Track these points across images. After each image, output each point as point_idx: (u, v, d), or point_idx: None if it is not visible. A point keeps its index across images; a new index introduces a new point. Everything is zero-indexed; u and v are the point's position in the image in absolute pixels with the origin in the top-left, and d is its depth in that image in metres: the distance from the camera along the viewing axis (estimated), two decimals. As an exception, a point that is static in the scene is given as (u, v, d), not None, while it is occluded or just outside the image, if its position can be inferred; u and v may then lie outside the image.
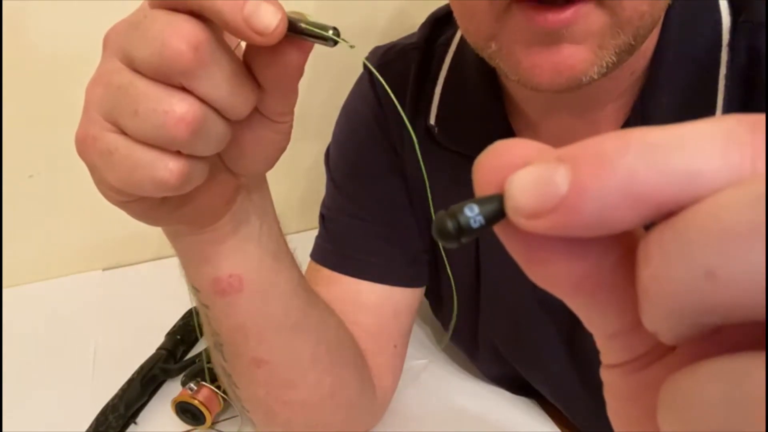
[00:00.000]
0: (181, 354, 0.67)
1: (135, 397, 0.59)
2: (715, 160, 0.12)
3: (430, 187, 0.53)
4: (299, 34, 0.26)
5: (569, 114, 0.45)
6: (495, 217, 0.15)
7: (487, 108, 0.49)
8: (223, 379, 0.47)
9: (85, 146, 0.28)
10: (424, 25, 0.56)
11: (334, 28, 0.26)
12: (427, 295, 0.60)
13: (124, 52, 0.27)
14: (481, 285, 0.55)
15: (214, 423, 0.57)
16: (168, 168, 0.27)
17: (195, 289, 0.40)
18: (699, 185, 0.12)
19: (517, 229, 0.15)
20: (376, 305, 0.54)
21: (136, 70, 0.27)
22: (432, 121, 0.51)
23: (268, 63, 0.28)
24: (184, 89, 0.26)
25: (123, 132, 0.27)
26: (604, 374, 0.17)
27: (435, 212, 0.54)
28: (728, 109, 0.41)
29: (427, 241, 0.56)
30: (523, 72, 0.37)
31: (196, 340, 0.69)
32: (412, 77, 0.53)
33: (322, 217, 0.58)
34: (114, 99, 0.27)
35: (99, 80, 0.28)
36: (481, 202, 0.15)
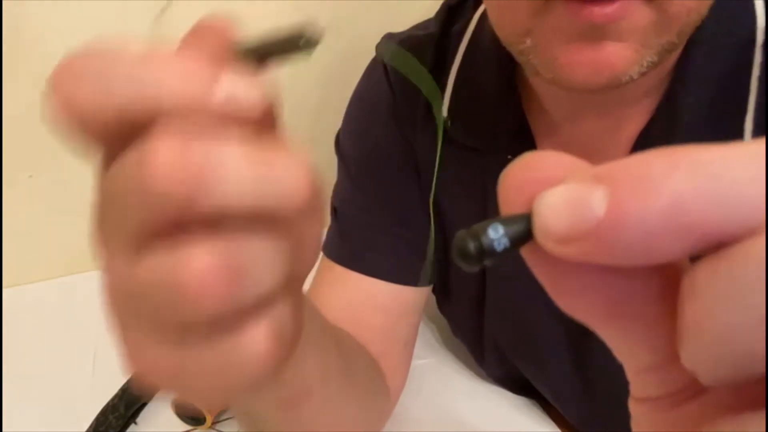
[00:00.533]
0: (181, 354, 0.67)
1: (135, 397, 0.59)
2: None
3: (436, 180, 0.53)
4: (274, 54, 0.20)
5: (592, 112, 0.44)
6: (521, 240, 0.14)
7: (501, 102, 0.48)
8: None
9: (154, 380, 0.20)
10: (438, 13, 0.54)
11: (305, 33, 0.20)
12: (433, 290, 0.60)
13: (113, 243, 0.19)
14: (487, 284, 0.55)
15: (214, 423, 0.57)
16: (249, 345, 0.19)
17: (248, 414, 0.32)
18: (760, 216, 0.11)
19: (546, 254, 0.13)
20: (387, 305, 0.54)
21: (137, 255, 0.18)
22: (444, 113, 0.50)
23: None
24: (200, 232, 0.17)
25: (174, 338, 0.19)
26: (633, 406, 0.16)
27: (438, 207, 0.51)
28: (759, 112, 0.39)
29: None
30: (560, 69, 0.35)
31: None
32: (427, 67, 0.52)
33: (334, 210, 0.57)
34: (136, 306, 0.19)
35: (112, 300, 0.21)
36: (506, 221, 0.14)
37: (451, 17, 0.53)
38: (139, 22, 0.71)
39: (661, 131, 0.41)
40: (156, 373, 0.20)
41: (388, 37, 0.56)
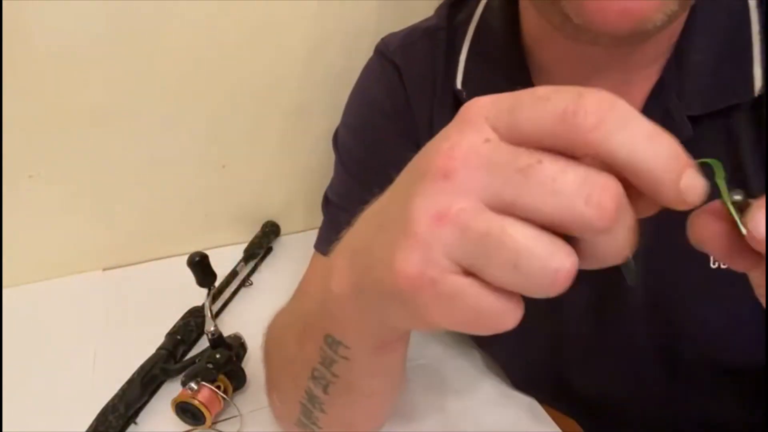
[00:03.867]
0: (181, 354, 0.67)
1: (135, 397, 0.59)
2: None
3: None
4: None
5: (601, 77, 0.46)
6: None
7: (513, 72, 0.50)
8: (298, 400, 0.44)
9: (416, 287, 0.24)
10: (441, 7, 0.57)
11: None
12: None
13: (497, 196, 0.23)
14: None
15: (214, 423, 0.57)
16: (511, 316, 0.24)
17: (342, 345, 0.37)
18: None
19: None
20: None
21: (511, 215, 0.22)
22: (459, 86, 0.52)
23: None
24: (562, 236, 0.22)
25: (472, 274, 0.23)
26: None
27: None
28: (765, 62, 0.42)
29: None
30: (588, 14, 0.37)
31: (196, 340, 0.69)
32: (442, 53, 0.54)
33: (327, 202, 0.57)
34: (477, 247, 0.23)
35: (445, 217, 0.23)
36: None
37: (453, 12, 0.56)
38: (140, 21, 0.71)
39: (672, 86, 0.44)
40: (435, 285, 0.24)
41: (390, 36, 0.57)
